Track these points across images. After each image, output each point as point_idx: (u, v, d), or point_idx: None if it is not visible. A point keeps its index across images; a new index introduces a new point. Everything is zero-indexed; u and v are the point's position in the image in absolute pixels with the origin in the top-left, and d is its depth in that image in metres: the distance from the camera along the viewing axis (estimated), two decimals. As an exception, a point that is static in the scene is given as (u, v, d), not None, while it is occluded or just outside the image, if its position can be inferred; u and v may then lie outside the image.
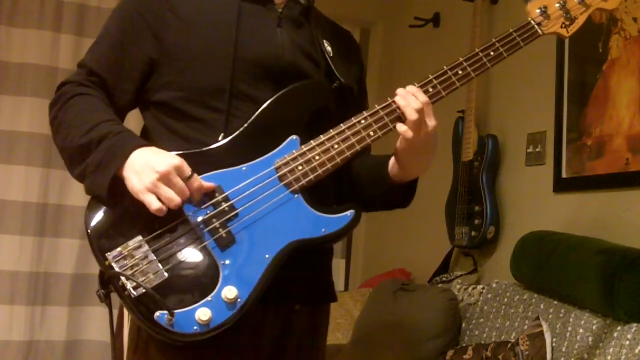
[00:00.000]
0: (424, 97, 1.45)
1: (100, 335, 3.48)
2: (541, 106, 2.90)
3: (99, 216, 1.36)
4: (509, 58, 1.55)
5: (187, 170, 1.34)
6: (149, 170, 1.32)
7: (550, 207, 2.82)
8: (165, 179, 1.32)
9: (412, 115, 1.44)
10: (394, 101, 1.47)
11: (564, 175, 2.76)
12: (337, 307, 3.30)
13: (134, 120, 1.60)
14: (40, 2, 3.49)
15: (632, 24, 2.49)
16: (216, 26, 1.47)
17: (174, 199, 1.32)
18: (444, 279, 3.23)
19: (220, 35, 1.46)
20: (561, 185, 2.77)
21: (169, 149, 1.40)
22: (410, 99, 1.45)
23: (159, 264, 1.33)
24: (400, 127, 1.45)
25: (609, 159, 2.54)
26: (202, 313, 1.30)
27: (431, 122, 1.46)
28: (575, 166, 2.71)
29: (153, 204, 1.32)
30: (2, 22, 3.46)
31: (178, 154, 1.38)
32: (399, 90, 1.47)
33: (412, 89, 1.47)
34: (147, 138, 1.49)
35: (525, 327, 2.47)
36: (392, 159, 1.55)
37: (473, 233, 3.09)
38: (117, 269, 1.31)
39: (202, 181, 1.36)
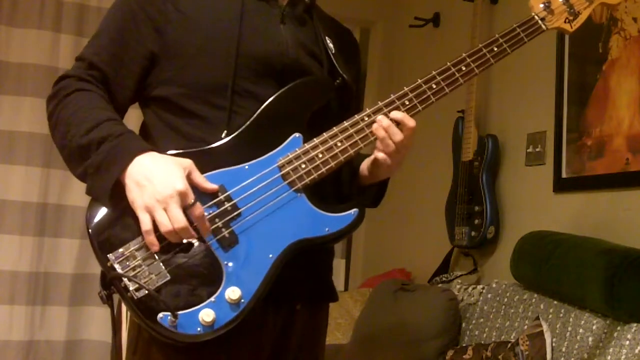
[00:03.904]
0: (411, 123, 1.45)
1: (100, 335, 3.48)
2: (541, 106, 2.90)
3: (100, 216, 1.34)
4: (509, 58, 1.55)
5: (191, 197, 1.31)
6: (150, 188, 1.30)
7: (550, 207, 2.82)
8: (164, 203, 1.29)
9: (388, 147, 1.44)
10: (395, 100, 1.47)
11: (564, 175, 2.76)
12: (337, 307, 3.30)
13: (134, 116, 1.59)
14: (40, 2, 3.49)
15: (632, 24, 2.49)
16: (219, 22, 1.46)
17: (167, 226, 1.29)
18: (444, 279, 3.23)
19: (223, 32, 1.45)
20: (561, 185, 2.77)
21: (169, 146, 1.39)
22: (391, 129, 1.44)
23: (162, 265, 1.32)
24: (379, 155, 1.46)
25: (609, 159, 2.54)
26: (206, 314, 1.29)
27: (409, 145, 1.46)
28: (575, 166, 2.71)
29: (145, 224, 1.29)
30: (2, 22, 3.46)
31: (180, 153, 1.36)
32: (382, 121, 1.45)
33: (398, 115, 1.45)
34: (147, 135, 1.47)
35: (525, 327, 2.47)
36: (364, 164, 1.56)
37: (473, 233, 3.10)
38: (119, 270, 1.30)
39: (202, 209, 1.33)
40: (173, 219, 1.29)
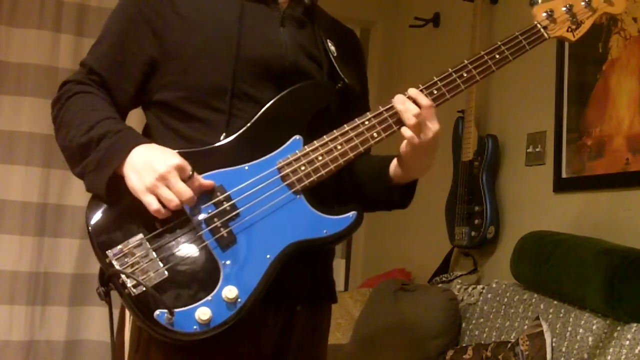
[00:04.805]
0: (425, 101, 1.45)
1: (100, 335, 3.47)
2: (541, 106, 2.90)
3: (99, 214, 1.35)
4: (510, 58, 1.55)
5: (188, 170, 1.34)
6: (149, 170, 1.32)
7: (550, 207, 2.82)
8: (165, 179, 1.31)
9: (410, 120, 1.43)
10: None
11: (564, 175, 2.76)
12: (337, 307, 3.27)
13: (136, 119, 1.60)
14: (40, 2, 3.49)
15: (632, 24, 2.49)
16: (218, 25, 1.46)
17: (173, 200, 1.31)
18: (444, 279, 3.23)
19: (222, 35, 1.45)
20: (561, 185, 2.77)
21: (170, 148, 1.39)
22: (408, 103, 1.44)
23: (160, 263, 1.32)
24: (406, 132, 1.45)
25: (609, 159, 2.54)
26: (202, 312, 1.30)
27: (434, 125, 1.45)
28: (575, 166, 2.71)
29: (152, 204, 1.31)
30: (2, 22, 3.45)
31: (181, 153, 1.37)
32: (398, 96, 1.46)
33: (413, 92, 1.46)
34: (149, 137, 1.48)
35: (525, 327, 2.47)
36: (395, 161, 1.54)
37: (473, 233, 3.10)
38: (117, 267, 1.31)
39: (202, 181, 1.36)
40: (179, 193, 1.32)
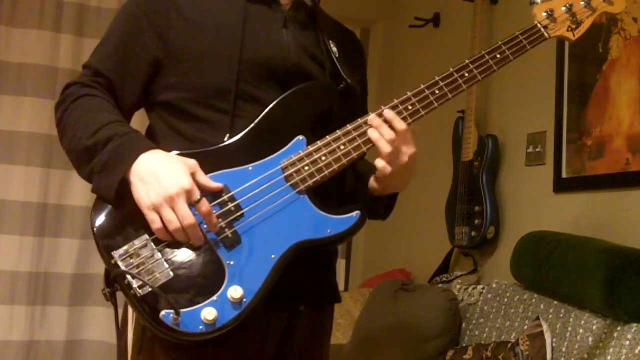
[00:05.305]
0: (401, 125, 1.43)
1: (100, 335, 3.48)
2: (541, 106, 2.90)
3: (104, 215, 1.35)
4: (509, 58, 1.56)
5: (197, 194, 1.32)
6: (156, 185, 1.31)
7: (550, 207, 2.82)
8: (171, 201, 1.30)
9: (385, 148, 1.43)
10: (398, 104, 1.46)
11: (564, 175, 2.76)
12: (337, 307, 3.26)
13: (137, 121, 1.60)
14: (40, 2, 3.49)
15: (632, 24, 2.49)
16: (221, 27, 1.47)
17: (174, 222, 1.30)
18: (444, 279, 3.23)
19: (226, 36, 1.46)
20: (561, 185, 2.77)
21: (173, 148, 1.39)
22: (383, 129, 1.43)
23: (165, 263, 1.32)
24: (378, 163, 1.44)
25: (609, 159, 2.55)
26: (208, 312, 1.30)
27: (409, 149, 1.45)
28: (575, 166, 2.71)
29: (155, 223, 1.31)
30: (2, 22, 3.45)
31: (184, 153, 1.37)
32: (373, 120, 1.44)
33: (389, 115, 1.44)
34: (152, 138, 1.48)
35: (525, 327, 2.48)
36: (372, 177, 1.54)
37: (473, 233, 3.10)
38: (123, 268, 1.31)
39: (208, 207, 1.33)
40: (181, 216, 1.31)
